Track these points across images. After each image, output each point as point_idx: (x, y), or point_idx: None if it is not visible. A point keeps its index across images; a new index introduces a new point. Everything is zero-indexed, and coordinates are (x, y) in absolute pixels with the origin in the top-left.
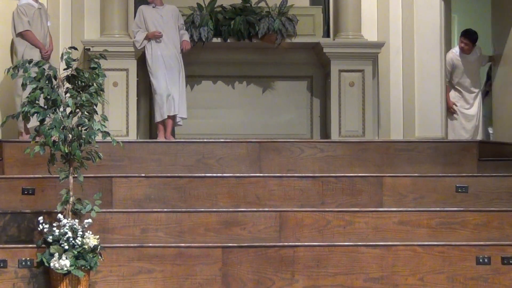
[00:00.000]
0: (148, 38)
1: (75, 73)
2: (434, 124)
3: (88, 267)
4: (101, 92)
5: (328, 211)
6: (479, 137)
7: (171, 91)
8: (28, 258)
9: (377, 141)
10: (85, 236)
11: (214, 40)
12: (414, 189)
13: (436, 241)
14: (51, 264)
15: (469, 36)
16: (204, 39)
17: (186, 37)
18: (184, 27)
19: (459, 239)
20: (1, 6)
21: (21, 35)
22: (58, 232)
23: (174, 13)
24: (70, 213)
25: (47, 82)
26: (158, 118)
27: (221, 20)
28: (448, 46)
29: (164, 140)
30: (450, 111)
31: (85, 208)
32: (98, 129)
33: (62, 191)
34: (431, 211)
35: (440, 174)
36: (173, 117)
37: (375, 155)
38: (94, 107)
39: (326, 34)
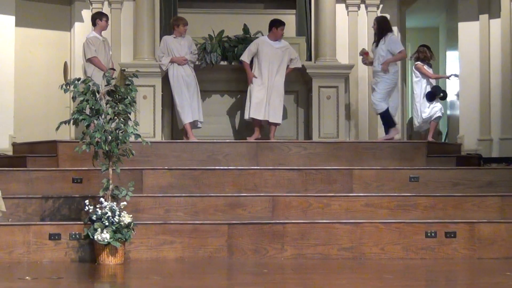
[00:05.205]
0: (172, 61)
1: (113, 89)
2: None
3: (124, 239)
4: (134, 103)
5: (310, 196)
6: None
7: (192, 103)
8: (77, 232)
9: (348, 142)
10: (121, 215)
11: (222, 63)
12: (377, 178)
13: (394, 219)
14: (95, 237)
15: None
16: (214, 62)
17: (188, 56)
18: (196, 52)
19: (412, 217)
20: (53, 36)
21: (90, 60)
22: (100, 212)
23: (189, 41)
24: (109, 197)
25: (92, 95)
26: (185, 121)
27: (227, 47)
28: (403, 68)
29: (185, 140)
30: None
31: (121, 193)
32: (131, 132)
33: (104, 180)
34: (390, 196)
35: (397, 167)
36: (192, 122)
37: (347, 152)
38: (128, 115)
39: (309, 58)
